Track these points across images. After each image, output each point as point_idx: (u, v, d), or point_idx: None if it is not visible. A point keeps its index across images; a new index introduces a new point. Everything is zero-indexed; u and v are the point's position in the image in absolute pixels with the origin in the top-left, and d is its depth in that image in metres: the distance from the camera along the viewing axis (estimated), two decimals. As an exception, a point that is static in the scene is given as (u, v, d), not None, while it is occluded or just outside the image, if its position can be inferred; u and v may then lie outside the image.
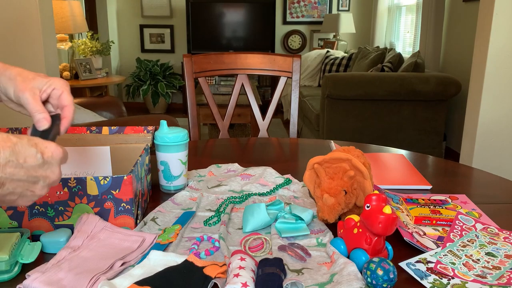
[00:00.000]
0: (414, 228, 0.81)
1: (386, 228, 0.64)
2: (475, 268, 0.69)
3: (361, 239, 0.67)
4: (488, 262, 0.71)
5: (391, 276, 0.60)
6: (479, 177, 1.11)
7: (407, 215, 0.86)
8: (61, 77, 4.17)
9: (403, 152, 1.28)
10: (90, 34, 4.64)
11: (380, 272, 0.60)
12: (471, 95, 2.53)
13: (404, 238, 0.74)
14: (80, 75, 4.20)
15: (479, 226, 0.82)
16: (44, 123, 0.63)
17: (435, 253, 0.73)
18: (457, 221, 0.82)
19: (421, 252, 0.73)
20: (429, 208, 0.87)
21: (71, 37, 4.70)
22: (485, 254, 0.73)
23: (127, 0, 5.85)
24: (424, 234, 0.79)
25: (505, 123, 2.44)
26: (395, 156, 1.22)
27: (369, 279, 0.61)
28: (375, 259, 0.62)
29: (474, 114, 2.49)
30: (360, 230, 0.68)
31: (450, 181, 1.05)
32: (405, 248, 0.74)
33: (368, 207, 0.66)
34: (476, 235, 0.79)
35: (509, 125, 2.45)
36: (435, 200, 0.92)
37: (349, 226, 0.71)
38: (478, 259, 0.72)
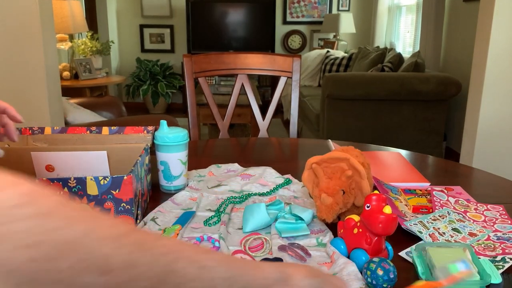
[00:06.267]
0: (412, 216, 0.84)
1: (386, 228, 0.64)
2: (439, 240, 0.74)
3: (361, 239, 0.67)
4: (452, 237, 0.76)
5: (391, 276, 0.60)
6: (479, 177, 1.11)
7: (405, 205, 0.90)
8: (61, 77, 4.17)
9: (402, 152, 1.28)
10: (90, 34, 4.63)
11: (380, 272, 0.60)
12: (471, 95, 2.53)
13: (402, 226, 0.78)
14: (80, 75, 4.20)
15: (451, 200, 0.89)
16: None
17: (410, 220, 0.79)
18: (434, 198, 0.89)
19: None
20: (427, 198, 0.91)
21: (71, 37, 4.69)
22: (452, 229, 0.78)
23: (127, 0, 5.85)
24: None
25: (505, 123, 2.44)
26: (392, 154, 1.22)
27: (369, 279, 0.61)
28: (375, 259, 0.62)
29: (474, 114, 2.49)
30: (360, 230, 0.68)
31: (450, 181, 1.05)
32: (406, 247, 0.74)
33: (368, 207, 0.66)
34: (448, 212, 0.84)
35: (509, 125, 2.44)
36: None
37: (349, 226, 0.71)
38: (444, 233, 0.77)
